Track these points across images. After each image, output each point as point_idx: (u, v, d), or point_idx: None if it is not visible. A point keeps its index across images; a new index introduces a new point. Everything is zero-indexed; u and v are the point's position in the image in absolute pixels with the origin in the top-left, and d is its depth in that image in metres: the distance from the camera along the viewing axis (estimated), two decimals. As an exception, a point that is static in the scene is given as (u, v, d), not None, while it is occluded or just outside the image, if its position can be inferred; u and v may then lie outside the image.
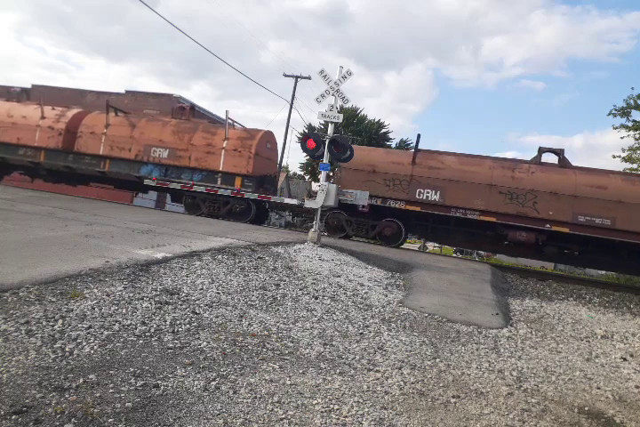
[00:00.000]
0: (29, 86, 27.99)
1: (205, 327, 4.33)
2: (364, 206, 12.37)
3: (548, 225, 11.77)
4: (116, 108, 15.67)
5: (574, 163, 13.10)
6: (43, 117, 15.83)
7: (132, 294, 4.58)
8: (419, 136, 13.93)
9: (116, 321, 3.98)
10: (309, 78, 31.33)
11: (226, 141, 14.14)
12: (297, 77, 31.53)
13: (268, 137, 14.98)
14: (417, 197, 12.56)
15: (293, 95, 31.47)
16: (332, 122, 10.06)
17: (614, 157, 21.66)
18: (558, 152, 12.89)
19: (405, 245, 13.81)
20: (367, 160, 13.00)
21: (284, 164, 33.63)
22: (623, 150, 21.44)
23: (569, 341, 6.08)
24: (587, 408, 3.93)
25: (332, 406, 3.24)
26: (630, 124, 20.57)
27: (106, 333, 3.73)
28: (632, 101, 20.27)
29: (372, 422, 3.09)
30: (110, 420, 2.60)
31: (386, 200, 12.76)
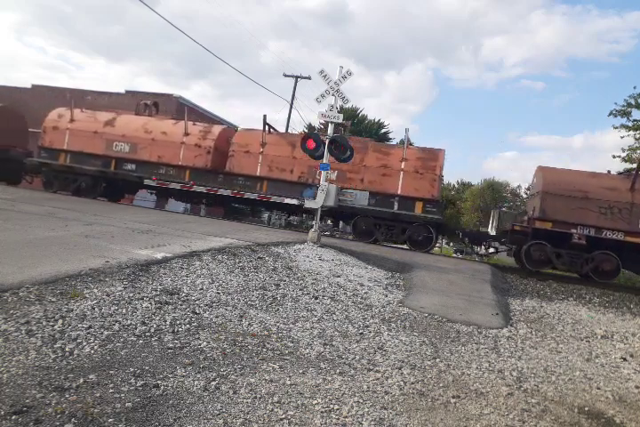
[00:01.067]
0: (29, 86, 28.01)
1: (205, 327, 4.33)
2: (579, 238, 11.24)
3: None
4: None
5: (574, 163, 13.23)
6: (187, 134, 14.62)
7: (132, 294, 4.58)
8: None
9: (116, 321, 3.98)
10: (309, 78, 31.36)
11: (404, 162, 13.05)
12: (297, 77, 31.54)
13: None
14: (640, 227, 11.07)
15: (293, 95, 31.50)
16: (332, 122, 10.06)
17: (614, 156, 21.66)
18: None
19: (405, 245, 13.77)
20: (578, 185, 11.55)
21: None
22: (623, 150, 21.45)
23: (569, 341, 6.09)
24: (587, 408, 3.93)
25: (331, 406, 3.24)
26: (630, 123, 20.58)
27: (106, 333, 3.74)
28: (632, 101, 20.27)
29: (372, 422, 3.09)
30: (110, 420, 2.60)
31: (600, 230, 11.40)
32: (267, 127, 14.15)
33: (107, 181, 15.48)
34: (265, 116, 14.00)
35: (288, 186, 13.70)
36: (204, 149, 14.44)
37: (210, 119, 27.59)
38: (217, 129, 15.01)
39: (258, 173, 13.99)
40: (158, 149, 14.79)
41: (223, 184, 14.14)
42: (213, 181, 14.27)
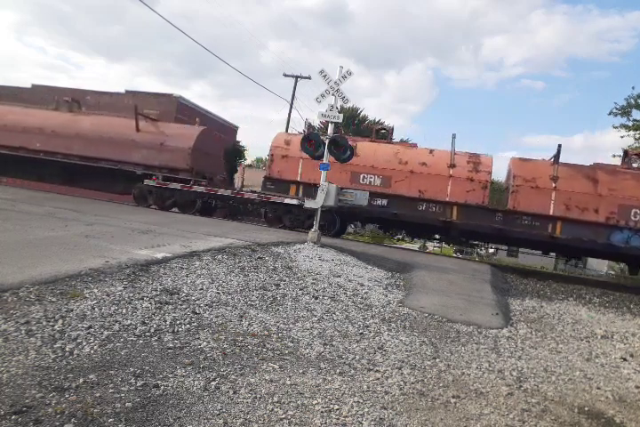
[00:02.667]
0: (29, 86, 28.02)
1: (205, 327, 4.33)
2: None
3: None
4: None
5: (573, 162, 13.14)
6: (452, 166, 12.97)
7: (131, 294, 4.58)
8: None
9: (116, 321, 3.98)
10: (309, 78, 31.34)
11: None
12: (297, 77, 31.53)
13: None
14: None
15: (293, 95, 31.50)
16: (332, 122, 10.06)
17: (614, 156, 21.68)
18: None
19: (405, 245, 13.81)
20: None
21: None
22: (623, 150, 21.46)
23: (569, 341, 6.08)
24: (587, 408, 3.93)
25: (332, 406, 3.24)
26: (631, 123, 20.60)
27: (106, 333, 3.74)
28: (632, 101, 20.29)
29: (372, 423, 3.09)
30: (110, 420, 2.60)
31: None
32: (557, 158, 12.61)
33: (347, 216, 14.06)
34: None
35: (591, 228, 12.07)
36: (477, 183, 12.77)
37: (210, 119, 27.61)
38: (487, 160, 13.39)
39: (551, 213, 12.23)
40: (418, 183, 13.06)
41: (503, 224, 12.51)
42: (490, 220, 12.60)
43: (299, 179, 13.78)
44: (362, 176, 13.35)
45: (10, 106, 17.13)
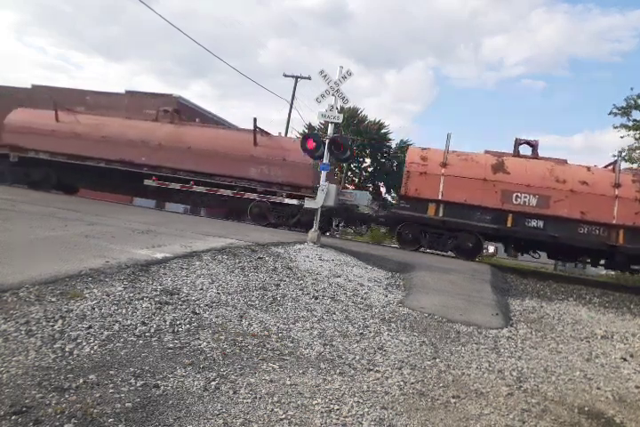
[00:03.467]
0: (29, 87, 28.02)
1: (205, 327, 4.33)
2: None
3: None
4: None
5: (574, 162, 13.20)
6: (618, 185, 12.16)
7: (132, 294, 4.58)
8: None
9: (116, 321, 3.98)
10: (309, 78, 31.36)
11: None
12: (297, 77, 31.55)
13: None
14: None
15: (293, 95, 31.51)
16: (332, 122, 10.06)
17: (614, 156, 21.68)
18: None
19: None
20: None
21: None
22: (623, 150, 21.46)
23: (569, 341, 6.08)
24: (587, 408, 3.93)
25: (332, 406, 3.24)
26: (631, 123, 20.60)
27: (106, 333, 3.73)
28: (632, 101, 20.30)
29: (372, 423, 3.09)
30: (110, 420, 2.60)
31: None
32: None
33: (496, 239, 13.73)
34: None
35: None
36: None
37: (210, 119, 27.61)
38: None
39: None
40: (580, 203, 12.16)
41: None
42: None
43: (440, 197, 12.83)
44: (514, 195, 12.44)
45: (108, 116, 16.23)
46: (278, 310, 5.31)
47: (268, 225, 13.57)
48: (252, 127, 14.32)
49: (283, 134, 26.94)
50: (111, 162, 15.10)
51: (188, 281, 5.44)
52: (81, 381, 2.96)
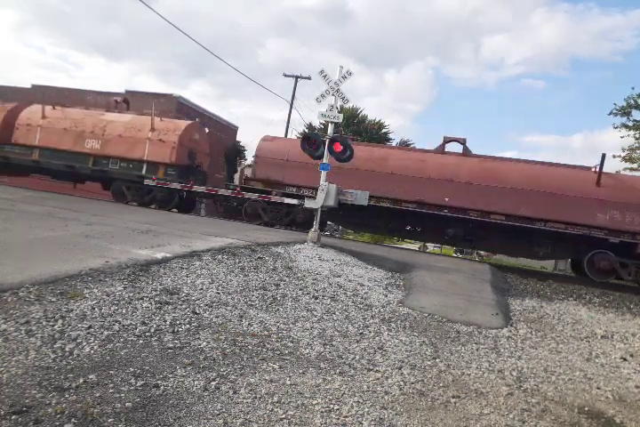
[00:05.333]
0: (29, 86, 28.01)
1: (205, 327, 4.33)
2: None
3: None
4: None
5: (574, 163, 13.17)
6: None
7: (131, 294, 4.58)
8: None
9: (116, 321, 3.98)
10: (309, 78, 31.35)
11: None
12: (297, 77, 31.54)
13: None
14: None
15: (293, 95, 31.51)
16: (332, 122, 10.06)
17: (614, 156, 21.70)
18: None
19: (405, 245, 13.79)
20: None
21: None
22: (623, 150, 21.47)
23: (569, 341, 6.08)
24: (587, 408, 3.93)
25: (331, 406, 3.24)
26: (631, 123, 20.60)
27: (106, 333, 3.73)
28: (632, 101, 20.30)
29: (372, 422, 3.09)
30: (110, 420, 2.60)
31: None
32: None
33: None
34: None
35: None
36: None
37: (209, 119, 27.60)
38: None
39: None
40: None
41: None
42: None
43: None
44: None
45: (387, 148, 14.20)
46: (278, 309, 5.31)
47: (261, 224, 13.60)
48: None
49: (282, 135, 26.92)
50: (400, 202, 12.93)
51: (188, 281, 5.44)
52: (81, 381, 2.96)
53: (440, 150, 13.31)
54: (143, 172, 14.37)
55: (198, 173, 15.16)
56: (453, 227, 12.76)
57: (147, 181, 14.49)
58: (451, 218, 12.60)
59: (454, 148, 13.70)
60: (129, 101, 17.07)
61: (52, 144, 15.01)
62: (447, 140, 13.59)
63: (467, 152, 13.33)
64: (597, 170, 12.07)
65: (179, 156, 14.23)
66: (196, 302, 4.89)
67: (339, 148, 9.87)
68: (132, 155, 14.39)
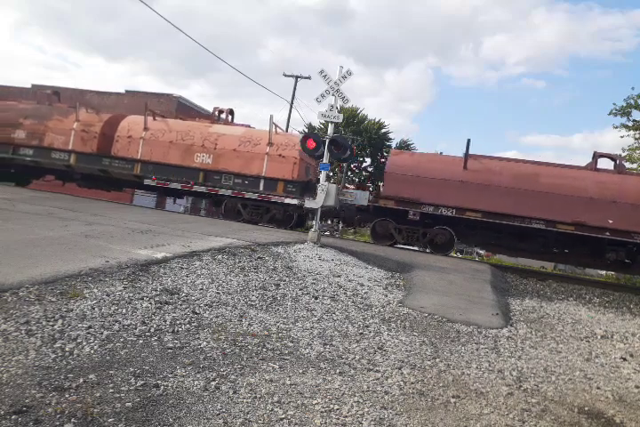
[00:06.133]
0: (29, 86, 28.02)
1: (205, 327, 4.33)
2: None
3: None
4: None
5: (573, 162, 13.07)
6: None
7: (131, 294, 4.58)
8: None
9: (116, 321, 3.98)
10: (309, 78, 31.35)
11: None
12: (297, 77, 31.53)
13: None
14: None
15: (293, 95, 31.50)
16: (332, 122, 10.06)
17: (615, 157, 21.66)
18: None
19: (405, 245, 13.76)
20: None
21: None
22: (623, 150, 21.45)
23: (569, 341, 6.08)
24: (587, 408, 3.93)
25: (331, 406, 3.24)
26: (631, 123, 20.58)
27: (106, 333, 3.73)
28: (632, 101, 20.28)
29: (372, 422, 3.09)
30: (110, 420, 2.60)
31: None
32: None
33: None
34: None
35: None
36: None
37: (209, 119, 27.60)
38: None
39: None
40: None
41: None
42: None
43: None
44: None
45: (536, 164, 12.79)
46: (278, 309, 5.31)
47: (241, 221, 13.66)
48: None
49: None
50: (554, 223, 11.91)
51: (188, 281, 5.44)
52: (81, 380, 2.96)
53: (592, 167, 12.41)
54: (260, 188, 13.55)
55: (313, 187, 13.40)
56: (614, 250, 11.77)
57: (147, 181, 14.43)
58: (611, 241, 11.66)
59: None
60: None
61: (157, 158, 14.13)
62: (599, 156, 12.61)
63: (621, 169, 12.39)
64: None
65: (300, 172, 13.49)
66: (196, 301, 4.89)
67: (339, 148, 9.88)
68: (248, 170, 13.62)
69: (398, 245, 13.55)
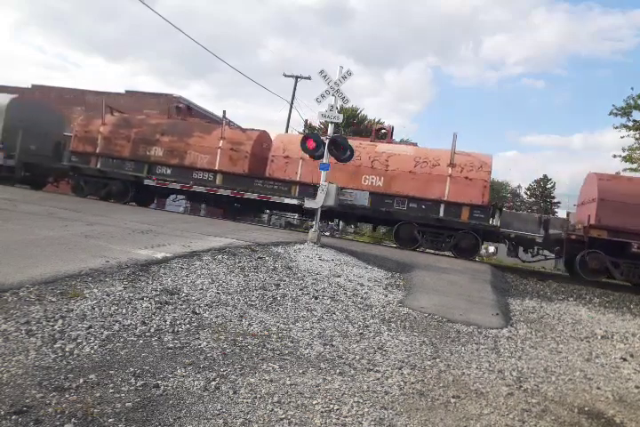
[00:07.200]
0: (29, 86, 28.02)
1: (205, 327, 4.33)
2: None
3: None
4: None
5: (574, 162, 12.99)
6: None
7: (132, 294, 4.58)
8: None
9: (116, 321, 3.98)
10: (309, 78, 31.35)
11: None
12: (297, 77, 31.54)
13: None
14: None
15: (293, 95, 31.51)
16: (332, 122, 10.06)
17: (615, 156, 21.70)
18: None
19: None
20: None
21: None
22: (623, 150, 21.47)
23: (569, 341, 6.08)
24: (587, 408, 3.93)
25: (331, 406, 3.24)
26: (631, 123, 20.59)
27: (106, 333, 3.73)
28: (632, 101, 20.29)
29: (372, 423, 3.09)
30: (110, 420, 2.60)
31: None
32: None
33: None
34: None
35: None
36: None
37: (210, 119, 27.60)
38: None
39: None
40: None
41: None
42: None
43: None
44: None
45: None
46: (278, 309, 5.31)
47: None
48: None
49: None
50: None
51: (188, 281, 5.44)
52: (81, 380, 2.96)
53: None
54: (441, 214, 12.38)
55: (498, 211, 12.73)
56: None
57: (147, 181, 14.43)
58: None
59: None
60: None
61: (318, 180, 12.25)
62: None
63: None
64: None
65: (488, 195, 12.39)
66: (196, 302, 4.89)
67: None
68: (426, 194, 12.48)
69: (392, 244, 13.43)
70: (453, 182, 12.36)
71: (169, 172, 14.53)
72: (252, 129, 15.12)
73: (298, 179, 13.36)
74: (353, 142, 13.28)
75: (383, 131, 14.18)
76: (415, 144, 13.86)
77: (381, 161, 12.82)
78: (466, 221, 12.25)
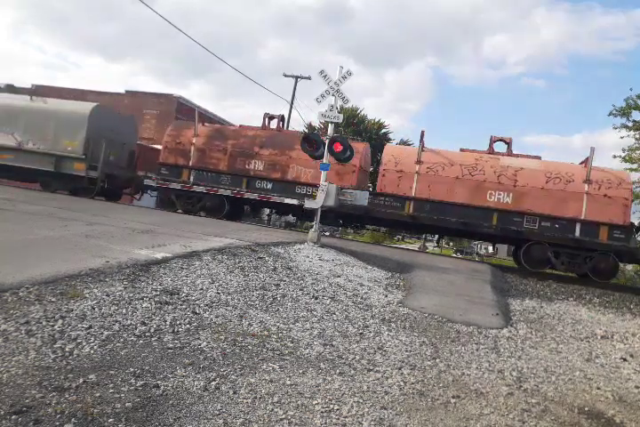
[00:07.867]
0: (29, 86, 28.01)
1: (205, 327, 4.33)
2: None
3: None
4: None
5: (573, 162, 12.94)
6: None
7: (131, 294, 4.58)
8: None
9: (116, 321, 3.98)
10: (309, 78, 31.31)
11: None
12: (297, 77, 31.52)
13: None
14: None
15: (293, 95, 31.49)
16: (332, 122, 10.06)
17: (614, 156, 21.70)
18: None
19: (405, 245, 13.72)
20: None
21: None
22: (623, 150, 21.47)
23: (569, 341, 6.08)
24: (587, 409, 3.93)
25: (331, 406, 3.24)
26: (630, 124, 20.60)
27: (106, 333, 3.73)
28: (632, 102, 20.29)
29: (372, 423, 3.09)
30: (110, 420, 2.60)
31: None
32: None
33: None
34: None
35: None
36: None
37: (210, 119, 27.60)
38: None
39: None
40: None
41: None
42: None
43: None
44: None
45: None
46: (278, 309, 5.31)
47: (176, 211, 13.97)
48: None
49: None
50: None
51: (188, 281, 5.44)
52: (81, 381, 2.96)
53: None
54: (577, 234, 11.63)
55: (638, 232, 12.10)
56: None
57: (147, 181, 14.44)
58: None
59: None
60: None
61: (436, 196, 12.16)
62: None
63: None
64: None
65: (630, 215, 11.77)
66: (196, 302, 4.89)
67: (339, 148, 9.88)
68: (559, 212, 11.73)
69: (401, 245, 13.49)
70: (591, 200, 11.66)
71: (269, 186, 14.00)
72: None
73: (413, 195, 12.43)
74: (469, 155, 12.68)
75: (502, 142, 12.98)
76: (539, 157, 12.77)
77: (508, 176, 12.04)
78: (605, 241, 11.56)
